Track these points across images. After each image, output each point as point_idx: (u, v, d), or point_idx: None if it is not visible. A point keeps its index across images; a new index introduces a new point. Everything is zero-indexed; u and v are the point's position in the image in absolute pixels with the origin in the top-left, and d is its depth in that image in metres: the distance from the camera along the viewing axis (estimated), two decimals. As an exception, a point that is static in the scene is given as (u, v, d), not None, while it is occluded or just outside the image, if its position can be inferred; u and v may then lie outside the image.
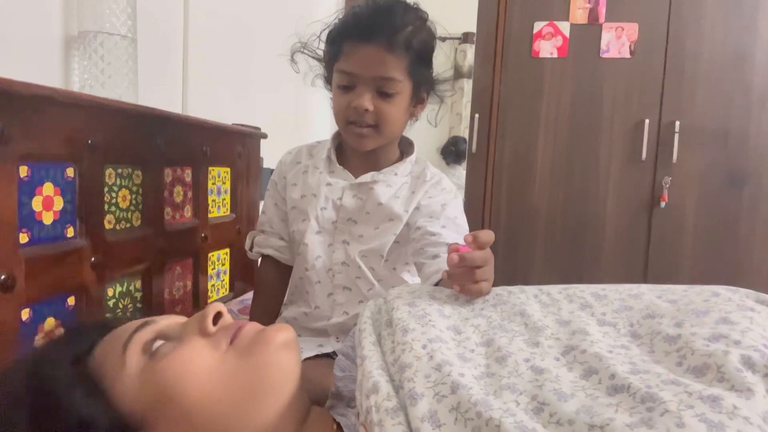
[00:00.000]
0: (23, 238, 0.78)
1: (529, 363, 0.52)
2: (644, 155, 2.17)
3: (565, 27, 2.21)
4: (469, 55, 4.24)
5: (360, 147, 0.96)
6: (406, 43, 0.89)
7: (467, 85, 4.27)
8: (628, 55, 2.17)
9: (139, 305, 1.06)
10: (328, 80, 0.99)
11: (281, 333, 0.56)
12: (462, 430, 0.44)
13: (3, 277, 0.72)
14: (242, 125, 1.49)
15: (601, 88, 2.20)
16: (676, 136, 2.14)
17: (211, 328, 0.55)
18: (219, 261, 1.40)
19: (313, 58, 0.99)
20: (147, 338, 0.54)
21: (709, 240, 2.18)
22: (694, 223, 2.19)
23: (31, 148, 0.77)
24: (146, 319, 0.57)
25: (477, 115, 2.28)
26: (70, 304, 0.87)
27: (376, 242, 0.99)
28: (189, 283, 1.26)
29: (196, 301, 1.29)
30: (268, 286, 1.11)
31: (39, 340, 0.80)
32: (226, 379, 0.52)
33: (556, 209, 2.27)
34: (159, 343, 0.54)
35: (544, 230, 2.28)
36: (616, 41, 2.17)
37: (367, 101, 0.90)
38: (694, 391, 0.42)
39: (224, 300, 1.41)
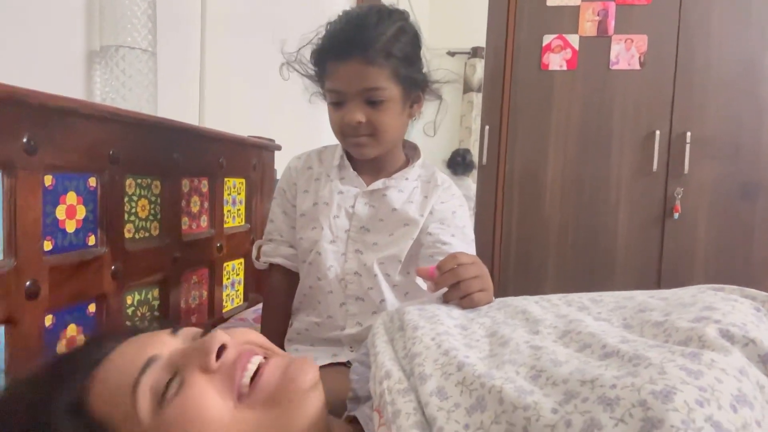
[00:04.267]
0: (47, 245, 0.80)
1: (528, 344, 0.56)
2: (655, 166, 2.18)
3: (574, 39, 2.23)
4: (479, 69, 4.28)
5: (361, 156, 0.98)
6: (384, 52, 0.89)
7: (476, 98, 4.30)
8: (637, 67, 2.18)
9: (156, 314, 1.08)
10: (323, 96, 1.01)
11: (307, 375, 0.53)
12: (467, 400, 0.48)
13: (28, 283, 0.74)
14: (257, 137, 1.52)
15: (611, 99, 2.21)
16: (687, 147, 2.15)
17: (214, 365, 0.51)
18: (234, 271, 1.42)
19: (305, 76, 1.00)
20: (153, 380, 0.50)
21: (723, 251, 2.17)
22: (706, 235, 2.18)
23: (56, 158, 0.79)
24: (150, 355, 0.52)
25: (487, 127, 2.30)
26: (90, 311, 0.89)
27: (393, 248, 0.99)
28: (205, 293, 1.28)
29: (212, 310, 1.30)
30: (278, 296, 1.10)
31: (61, 346, 0.82)
32: (248, 429, 0.50)
33: (568, 221, 2.27)
34: (163, 382, 0.50)
35: (556, 241, 2.28)
36: (626, 53, 2.18)
37: (357, 114, 0.92)
38: (676, 350, 0.47)
39: (238, 310, 1.42)
